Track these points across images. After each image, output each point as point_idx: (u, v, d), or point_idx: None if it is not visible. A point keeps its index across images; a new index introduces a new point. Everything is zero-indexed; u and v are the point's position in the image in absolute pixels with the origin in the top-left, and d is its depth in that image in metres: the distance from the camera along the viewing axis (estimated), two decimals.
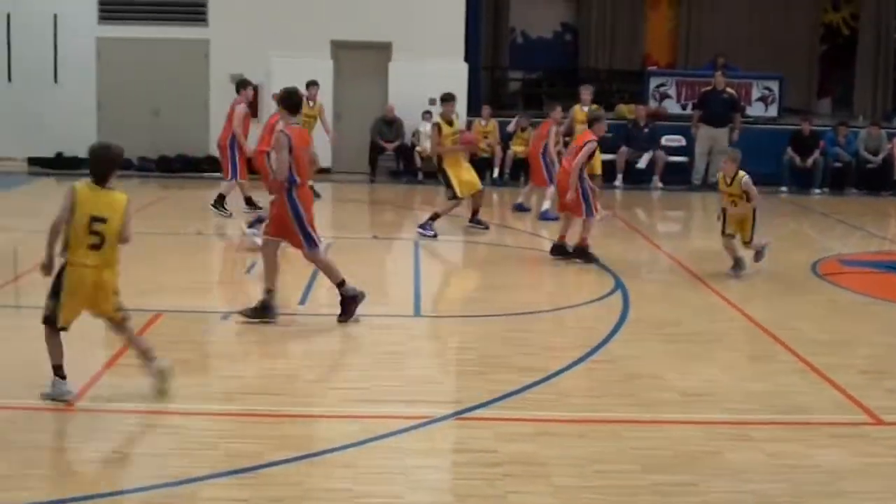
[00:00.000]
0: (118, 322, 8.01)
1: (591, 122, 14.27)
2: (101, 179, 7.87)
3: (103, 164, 7.95)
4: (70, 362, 8.76)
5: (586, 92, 19.51)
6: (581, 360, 9.35)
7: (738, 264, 13.02)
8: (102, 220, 7.72)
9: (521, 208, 18.24)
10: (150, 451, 7.07)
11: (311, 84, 19.28)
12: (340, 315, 10.32)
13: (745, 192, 12.62)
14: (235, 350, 9.59)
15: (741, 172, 12.66)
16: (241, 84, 17.23)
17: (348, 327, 10.44)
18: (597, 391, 8.57)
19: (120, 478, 6.67)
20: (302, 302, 11.43)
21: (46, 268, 7.82)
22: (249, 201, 17.11)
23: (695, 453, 7.25)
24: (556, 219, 15.97)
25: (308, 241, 10.27)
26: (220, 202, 16.89)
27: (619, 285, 12.40)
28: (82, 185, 7.84)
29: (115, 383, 8.48)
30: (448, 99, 16.09)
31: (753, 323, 10.94)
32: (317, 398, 8.37)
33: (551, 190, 16.69)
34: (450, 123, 15.81)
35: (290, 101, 10.42)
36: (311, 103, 19.08)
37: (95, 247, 7.70)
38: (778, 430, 7.84)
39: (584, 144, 13.73)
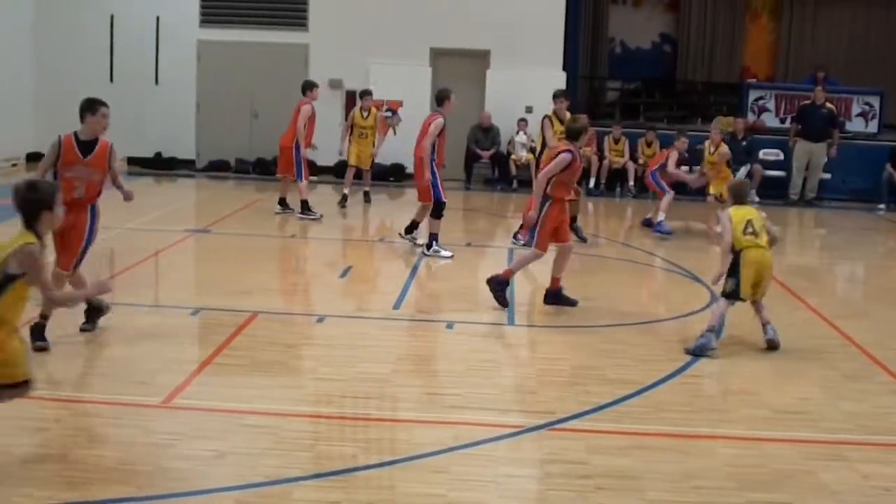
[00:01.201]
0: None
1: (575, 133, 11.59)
2: (26, 221, 6.50)
3: (29, 206, 6.53)
4: (166, 361, 8.96)
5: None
6: (675, 374, 9.27)
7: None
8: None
9: (648, 223, 17.79)
10: (244, 451, 7.13)
11: (365, 94, 19.44)
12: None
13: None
14: (329, 353, 9.64)
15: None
16: (308, 85, 17.61)
17: (443, 334, 10.47)
18: (691, 406, 8.49)
19: (214, 476, 6.72)
20: (396, 306, 11.47)
21: None
22: (283, 202, 17.58)
23: (790, 472, 7.15)
24: (669, 232, 15.96)
25: None
26: (305, 207, 17.10)
27: (714, 300, 12.25)
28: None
29: (211, 381, 8.60)
30: (559, 95, 15.66)
31: (850, 341, 10.76)
32: (410, 403, 8.39)
33: (666, 200, 16.62)
34: (561, 121, 15.10)
35: None
36: (364, 114, 19.22)
37: None
38: (873, 452, 7.69)
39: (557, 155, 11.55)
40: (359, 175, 19.41)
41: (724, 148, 17.46)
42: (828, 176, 22.29)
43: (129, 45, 23.03)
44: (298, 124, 17.01)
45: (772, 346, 10.18)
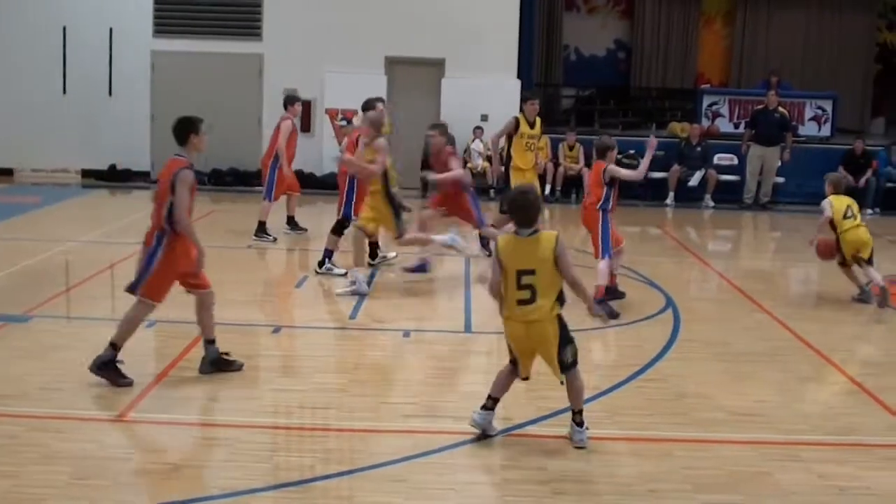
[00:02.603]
0: None
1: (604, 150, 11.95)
2: None
3: None
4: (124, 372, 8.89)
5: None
6: (632, 378, 9.33)
7: None
8: None
9: None
10: (201, 463, 7.12)
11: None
12: None
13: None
14: (285, 363, 9.62)
15: None
16: (289, 100, 16.81)
17: (399, 342, 10.48)
18: (648, 410, 8.54)
19: (171, 489, 6.69)
20: (352, 316, 11.46)
21: None
22: (292, 221, 16.95)
23: (746, 473, 7.21)
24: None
25: None
26: (261, 229, 16.35)
27: (669, 304, 12.35)
28: None
29: (167, 395, 8.56)
30: (530, 98, 15.35)
31: (804, 343, 10.86)
32: (367, 412, 8.38)
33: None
34: (530, 124, 14.89)
35: None
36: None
37: None
38: (829, 452, 7.77)
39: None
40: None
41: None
42: (781, 180, 22.45)
43: (82, 57, 22.84)
44: (280, 142, 16.19)
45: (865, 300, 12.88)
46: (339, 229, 13.66)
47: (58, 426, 7.73)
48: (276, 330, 10.77)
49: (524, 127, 14.87)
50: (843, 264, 13.08)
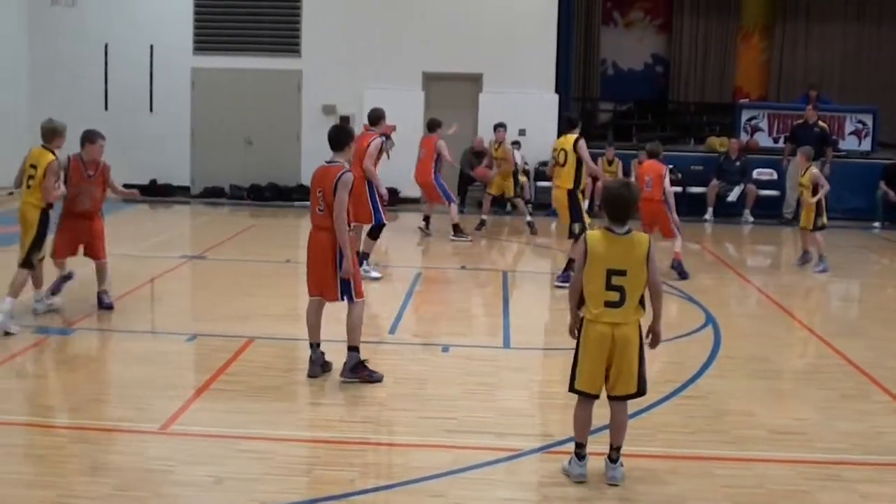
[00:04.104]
0: None
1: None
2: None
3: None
4: (163, 387, 8.97)
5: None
6: (672, 395, 9.28)
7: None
8: None
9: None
10: (241, 476, 7.14)
11: (499, 126, 19.93)
12: None
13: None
14: (326, 378, 9.64)
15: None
16: (436, 124, 18.55)
17: (438, 357, 10.50)
18: (688, 427, 8.50)
19: (212, 501, 6.74)
20: (392, 331, 11.48)
21: None
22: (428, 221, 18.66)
23: (786, 493, 7.16)
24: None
25: None
26: (456, 231, 18.24)
27: (709, 320, 12.30)
28: None
29: (208, 407, 8.61)
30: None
31: (846, 360, 10.76)
32: (406, 427, 8.40)
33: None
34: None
35: None
36: (497, 145, 19.74)
37: None
38: (871, 472, 7.68)
39: None
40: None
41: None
42: None
43: (124, 74, 23.10)
44: (445, 155, 17.95)
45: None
46: (375, 233, 14.39)
47: (100, 437, 7.80)
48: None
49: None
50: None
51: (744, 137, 23.65)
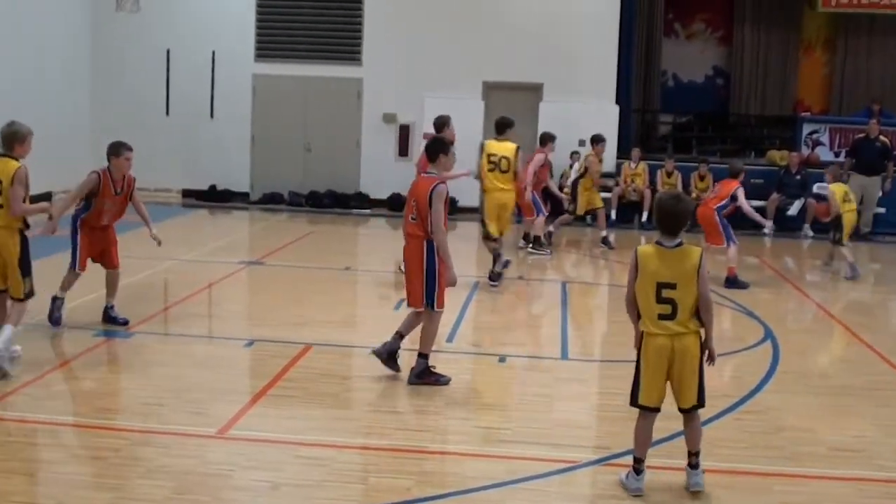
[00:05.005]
0: None
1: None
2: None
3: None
4: (221, 391, 9.05)
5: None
6: (729, 409, 9.22)
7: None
8: None
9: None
10: (298, 482, 7.18)
11: (599, 140, 19.59)
12: None
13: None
14: (382, 385, 9.67)
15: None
16: (549, 138, 18.42)
17: (495, 367, 10.50)
18: (746, 443, 8.44)
19: None
20: (449, 339, 11.50)
21: None
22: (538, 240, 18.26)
23: None
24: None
25: None
26: (537, 243, 18.09)
27: (768, 335, 12.21)
28: None
29: (266, 412, 8.67)
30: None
31: None
32: (462, 436, 8.41)
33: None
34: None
35: None
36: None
37: None
38: None
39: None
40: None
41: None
42: (882, 210, 22.06)
43: (185, 79, 23.32)
44: (529, 170, 17.51)
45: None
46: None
47: (160, 441, 7.87)
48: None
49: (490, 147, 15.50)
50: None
51: (804, 151, 23.44)
